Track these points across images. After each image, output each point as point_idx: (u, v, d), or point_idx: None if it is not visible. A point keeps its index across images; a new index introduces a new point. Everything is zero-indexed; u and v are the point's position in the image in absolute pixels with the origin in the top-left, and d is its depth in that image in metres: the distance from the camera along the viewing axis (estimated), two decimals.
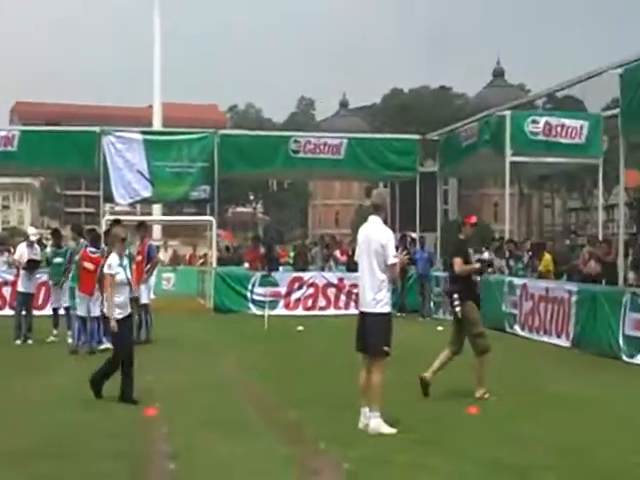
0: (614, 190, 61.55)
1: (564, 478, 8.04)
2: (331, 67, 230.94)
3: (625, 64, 18.24)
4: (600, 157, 24.37)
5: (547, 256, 24.01)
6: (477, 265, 12.81)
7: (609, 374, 14.91)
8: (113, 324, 11.76)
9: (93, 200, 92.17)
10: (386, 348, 9.95)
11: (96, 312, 17.22)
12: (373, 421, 9.84)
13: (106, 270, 11.98)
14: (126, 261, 12.24)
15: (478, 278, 12.90)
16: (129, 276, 12.12)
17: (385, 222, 10.43)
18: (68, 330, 18.30)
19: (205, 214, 32.26)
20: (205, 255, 38.22)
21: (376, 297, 9.92)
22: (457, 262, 12.53)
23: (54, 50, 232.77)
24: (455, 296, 12.52)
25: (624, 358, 16.35)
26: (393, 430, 9.79)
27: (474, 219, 13.40)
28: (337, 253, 30.32)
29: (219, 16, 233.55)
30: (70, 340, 17.94)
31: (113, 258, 11.97)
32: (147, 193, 28.27)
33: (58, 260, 19.16)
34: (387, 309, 10.03)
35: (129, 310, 12.08)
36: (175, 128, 33.68)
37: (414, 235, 29.53)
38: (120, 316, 11.79)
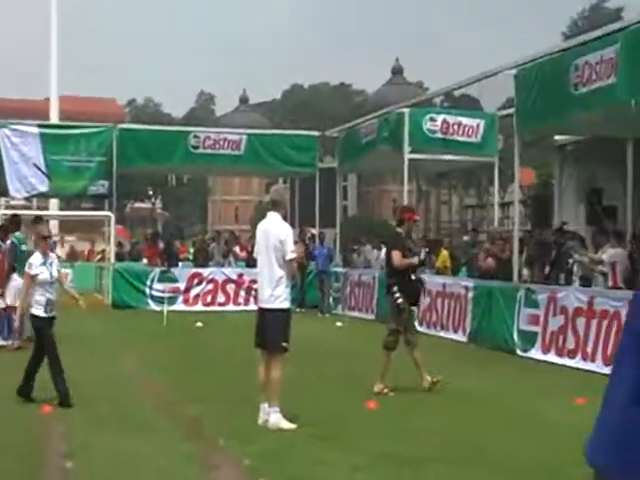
0: (509, 188, 62.72)
1: (456, 470, 8.19)
2: (231, 62, 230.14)
3: (520, 65, 18.62)
4: (495, 155, 24.84)
5: (444, 252, 24.38)
6: (415, 259, 12.79)
7: (504, 368, 15.22)
8: (18, 319, 11.89)
9: None
10: (285, 344, 9.99)
11: (9, 302, 17.26)
12: (273, 416, 9.88)
13: (26, 269, 11.65)
14: (52, 259, 11.86)
15: (418, 275, 12.95)
16: (55, 274, 11.67)
17: (284, 218, 10.49)
18: None
19: (103, 209, 31.89)
20: (103, 251, 37.78)
21: (274, 293, 9.97)
22: (396, 255, 12.53)
23: None
24: (395, 289, 12.57)
25: (518, 352, 16.71)
26: (293, 425, 9.84)
27: (416, 217, 13.56)
28: (236, 249, 30.29)
29: (118, 9, 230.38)
30: None
31: (35, 257, 11.64)
32: (44, 187, 27.84)
33: None
34: (286, 305, 10.08)
35: (55, 312, 11.68)
36: (73, 122, 33.10)
37: (314, 231, 29.67)
38: (43, 314, 11.45)
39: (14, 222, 18.94)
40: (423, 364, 12.56)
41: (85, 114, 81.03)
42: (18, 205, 50.55)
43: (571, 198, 26.38)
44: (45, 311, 11.47)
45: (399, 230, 12.97)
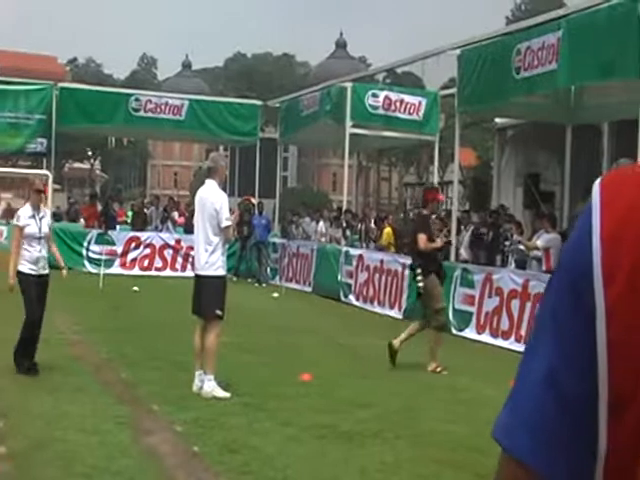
0: (449, 167, 63.17)
1: (389, 444, 8.30)
2: (175, 27, 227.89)
3: (463, 46, 18.75)
4: (436, 134, 24.99)
5: (387, 229, 24.43)
6: (439, 242, 12.77)
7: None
8: (11, 278, 10.97)
9: None
10: (218, 311, 10.00)
11: None
12: (207, 384, 9.90)
13: (14, 221, 11.23)
14: (44, 213, 11.26)
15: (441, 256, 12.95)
16: (45, 230, 11.07)
17: (222, 186, 10.50)
18: None
19: (41, 168, 31.50)
20: None
21: (209, 260, 9.97)
22: (422, 239, 12.51)
23: None
24: (418, 271, 12.60)
25: (453, 331, 16.88)
26: (227, 394, 9.89)
27: (441, 197, 13.54)
28: (175, 215, 30.14)
29: None
30: None
31: (25, 209, 11.02)
32: None
33: None
34: (221, 272, 10.08)
35: (45, 270, 11.14)
36: (12, 78, 32.57)
37: (253, 200, 29.62)
38: (27, 270, 10.90)
39: None
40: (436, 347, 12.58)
41: (25, 71, 79.75)
42: None
43: (509, 181, 26.70)
44: (30, 268, 10.91)
45: (424, 212, 12.99)
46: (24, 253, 10.88)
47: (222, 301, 10.08)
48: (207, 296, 10.00)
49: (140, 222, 29.03)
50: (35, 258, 10.92)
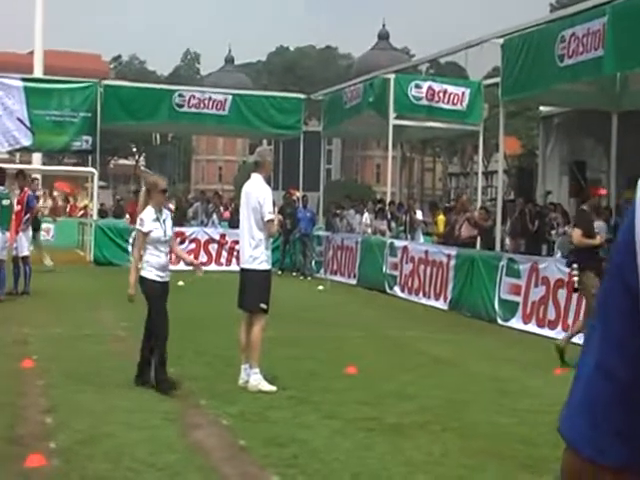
0: (493, 157, 62.81)
1: (435, 435, 8.28)
2: (217, 22, 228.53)
3: (507, 34, 18.61)
4: (480, 124, 24.86)
5: (440, 217, 24.29)
6: (597, 241, 12.39)
7: (484, 337, 15.29)
8: (132, 288, 10.15)
9: None
10: (263, 305, 10.02)
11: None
12: (253, 378, 9.93)
13: (138, 225, 10.14)
14: (166, 215, 10.30)
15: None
16: (169, 233, 10.21)
17: (267, 180, 10.52)
18: None
19: (87, 165, 31.81)
20: (85, 207, 37.69)
21: (253, 254, 9.99)
22: (576, 233, 12.40)
23: None
24: (574, 266, 12.52)
25: (499, 321, 16.80)
26: (273, 387, 9.90)
27: (603, 191, 13.33)
28: (220, 209, 30.25)
29: None
30: None
31: (148, 212, 10.03)
32: (27, 141, 27.71)
33: None
34: (265, 266, 10.09)
35: (168, 277, 10.26)
36: (57, 76, 32.85)
37: (298, 194, 29.66)
38: (155, 277, 10.01)
39: None
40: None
41: (69, 69, 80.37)
42: (0, 159, 50.33)
43: (555, 170, 26.49)
44: (158, 275, 10.03)
45: (584, 207, 12.86)
46: (150, 259, 10.02)
47: (267, 295, 10.09)
48: (252, 290, 10.02)
49: (180, 216, 29.13)
50: (162, 264, 10.08)
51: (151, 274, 9.99)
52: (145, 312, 10.12)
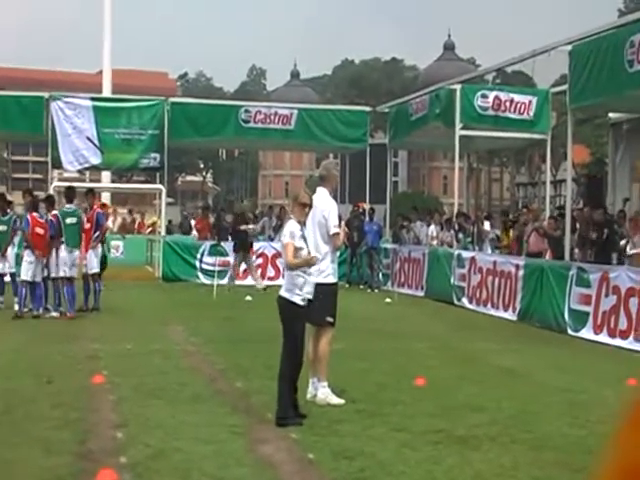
0: (562, 166, 62.17)
1: (504, 447, 8.17)
2: (283, 37, 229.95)
3: (574, 41, 18.41)
4: (548, 132, 24.61)
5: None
6: None
7: (554, 347, 15.09)
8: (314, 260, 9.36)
9: (41, 166, 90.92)
10: (329, 318, 9.98)
11: (53, 274, 17.76)
12: (321, 391, 9.90)
13: (288, 239, 9.32)
14: (307, 231, 9.66)
15: None
16: (309, 251, 9.49)
17: (333, 193, 10.50)
18: (15, 296, 18.17)
19: (154, 182, 32.13)
20: (154, 223, 38.05)
21: (320, 267, 9.94)
22: None
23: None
24: None
25: (569, 332, 16.57)
26: (341, 401, 9.87)
27: None
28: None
29: None
30: (17, 307, 17.80)
31: (293, 226, 9.38)
32: (96, 160, 28.09)
33: (2, 228, 19.01)
34: (331, 279, 10.06)
35: (309, 296, 9.36)
36: (125, 95, 33.31)
37: (366, 206, 29.61)
38: (299, 301, 9.27)
39: (67, 194, 19.11)
40: None
41: (137, 88, 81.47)
42: (71, 177, 51.11)
43: (625, 177, 26.08)
44: (301, 297, 9.30)
45: None
46: (296, 280, 9.31)
47: (333, 308, 10.05)
48: (318, 303, 9.98)
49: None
50: (303, 282, 9.33)
51: (295, 297, 9.28)
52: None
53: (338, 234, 10.11)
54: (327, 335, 10.07)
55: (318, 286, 9.90)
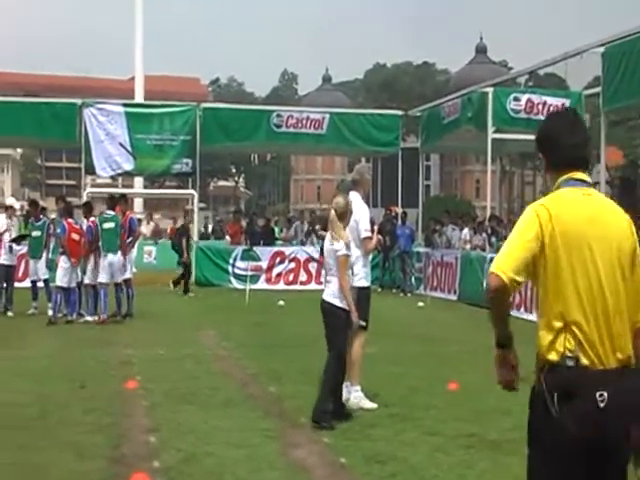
0: (595, 168, 61.79)
1: None
2: (314, 41, 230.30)
3: (607, 43, 18.31)
4: None
5: None
6: None
7: None
8: (354, 317, 9.34)
9: (74, 172, 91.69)
10: (362, 322, 9.95)
11: (87, 281, 18.03)
12: (354, 395, 9.89)
13: (344, 251, 9.31)
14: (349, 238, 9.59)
15: None
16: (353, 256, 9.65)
17: (365, 197, 10.49)
18: (49, 302, 18.30)
19: (187, 187, 32.26)
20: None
21: (357, 271, 9.94)
22: None
23: (31, 18, 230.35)
24: None
25: None
26: (374, 405, 9.86)
27: None
28: (318, 228, 30.34)
29: None
30: (50, 312, 17.91)
31: (344, 234, 9.43)
32: (129, 166, 28.25)
33: (36, 234, 19.15)
34: (363, 283, 10.03)
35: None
36: (157, 101, 33.45)
37: (398, 210, 29.56)
38: (345, 305, 9.33)
39: (109, 203, 19.27)
40: None
41: (169, 93, 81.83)
42: (104, 183, 51.43)
43: None
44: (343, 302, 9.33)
45: None
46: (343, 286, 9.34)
47: (365, 312, 10.02)
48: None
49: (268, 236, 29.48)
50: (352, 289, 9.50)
51: (338, 301, 9.32)
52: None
53: (370, 238, 10.09)
54: (360, 339, 10.05)
55: (356, 289, 9.87)
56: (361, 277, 10.02)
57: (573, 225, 3.95)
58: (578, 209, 4.00)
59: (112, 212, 18.82)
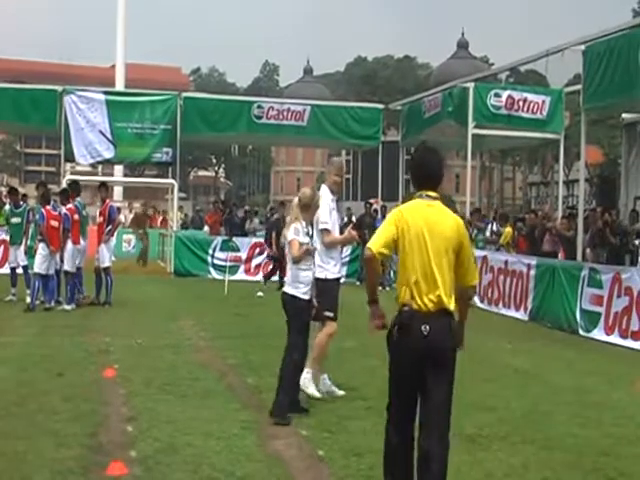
0: (574, 166, 62.02)
1: (514, 447, 8.18)
2: (296, 33, 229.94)
3: (588, 41, 18.36)
4: (561, 132, 24.55)
5: (508, 229, 24.07)
6: None
7: (565, 348, 15.05)
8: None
9: (53, 159, 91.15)
10: (328, 313, 9.93)
11: (67, 267, 17.93)
12: (303, 376, 9.82)
13: (293, 235, 9.33)
14: (312, 230, 9.66)
15: None
16: (317, 247, 9.75)
17: (339, 191, 10.49)
18: (27, 289, 18.24)
19: (167, 177, 32.19)
20: (164, 218, 38.12)
21: (319, 263, 9.89)
22: None
23: (13, 6, 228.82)
24: None
25: (581, 332, 16.54)
26: (317, 393, 9.88)
27: None
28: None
29: None
30: (29, 299, 17.86)
31: (298, 223, 9.41)
32: (109, 154, 28.12)
33: (16, 220, 19.09)
34: (326, 275, 9.92)
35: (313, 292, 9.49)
36: (138, 89, 33.33)
37: (377, 204, 29.57)
38: (304, 296, 9.36)
39: (74, 188, 19.18)
40: None
41: (150, 82, 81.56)
42: (83, 171, 51.20)
43: (638, 178, 26.01)
44: (305, 293, 9.37)
45: None
46: (299, 274, 9.36)
47: (333, 303, 9.99)
48: (318, 299, 9.88)
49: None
50: (310, 280, 9.47)
51: (300, 292, 9.34)
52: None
53: (327, 230, 9.98)
54: (328, 328, 10.01)
55: (319, 282, 9.81)
56: (325, 269, 9.93)
57: (414, 223, 6.12)
58: (420, 213, 6.16)
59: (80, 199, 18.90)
